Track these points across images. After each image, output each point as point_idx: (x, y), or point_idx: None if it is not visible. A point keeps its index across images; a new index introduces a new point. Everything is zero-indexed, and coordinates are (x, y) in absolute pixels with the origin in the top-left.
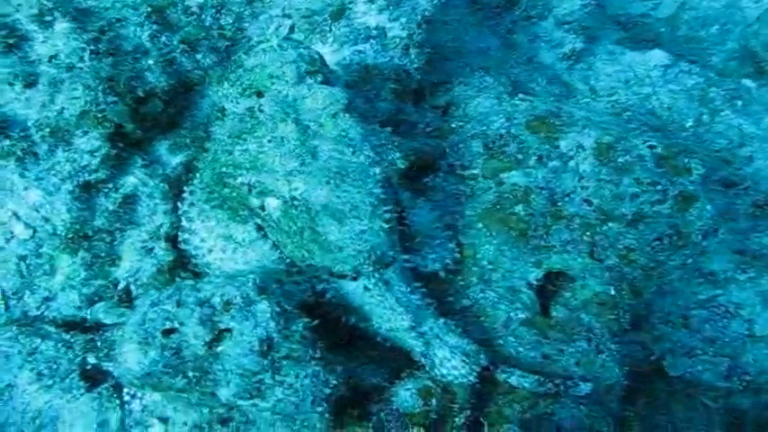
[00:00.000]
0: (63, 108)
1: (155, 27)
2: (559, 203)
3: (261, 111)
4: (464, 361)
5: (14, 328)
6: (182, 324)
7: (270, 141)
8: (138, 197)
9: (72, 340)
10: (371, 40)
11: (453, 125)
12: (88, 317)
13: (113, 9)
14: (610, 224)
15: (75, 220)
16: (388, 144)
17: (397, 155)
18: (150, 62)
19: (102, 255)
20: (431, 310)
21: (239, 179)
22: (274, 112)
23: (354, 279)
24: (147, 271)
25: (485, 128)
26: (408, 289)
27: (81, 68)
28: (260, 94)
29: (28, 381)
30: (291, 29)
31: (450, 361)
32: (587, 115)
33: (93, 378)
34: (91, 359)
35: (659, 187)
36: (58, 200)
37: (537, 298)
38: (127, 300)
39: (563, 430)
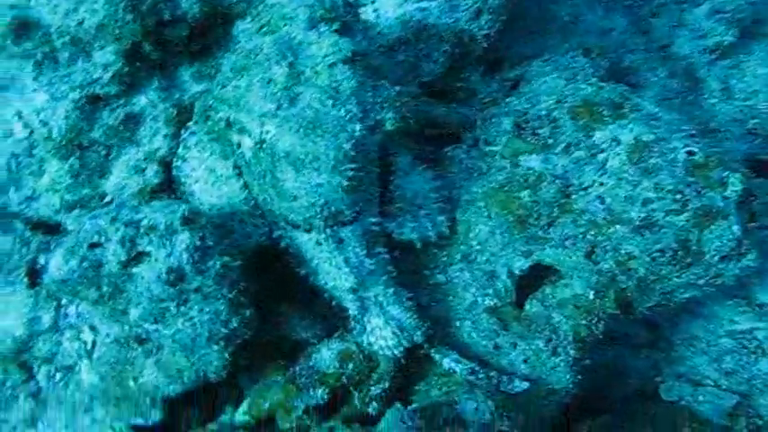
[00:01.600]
0: (84, 18)
1: None
2: (573, 196)
3: (261, 50)
4: (395, 333)
5: None
6: (107, 240)
7: (258, 81)
8: (143, 117)
9: (31, 239)
10: None
11: (508, 99)
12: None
13: None
14: (617, 226)
15: (72, 129)
16: (385, 103)
17: (389, 115)
18: None
19: (93, 166)
20: (385, 278)
21: (220, 113)
22: (272, 53)
23: (308, 231)
24: (131, 188)
25: (529, 106)
26: (364, 251)
27: None
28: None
29: None
30: None
31: (382, 331)
32: (656, 112)
33: (36, 277)
34: (41, 260)
35: (679, 196)
36: (61, 106)
37: (514, 288)
38: None
39: (463, 421)
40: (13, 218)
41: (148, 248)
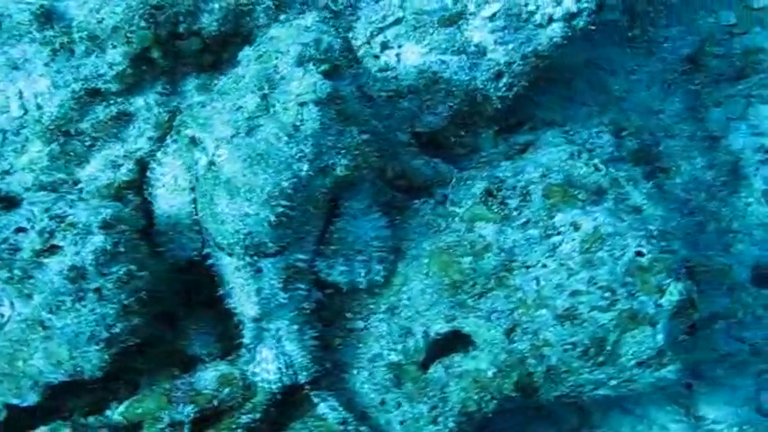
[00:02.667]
0: (104, 18)
1: None
2: (513, 272)
3: (244, 77)
4: (280, 369)
5: None
6: (31, 228)
7: (229, 106)
8: (134, 117)
9: None
10: (463, 55)
11: (499, 163)
12: None
13: None
14: (543, 311)
15: (63, 116)
16: (343, 149)
17: (343, 162)
18: (215, 5)
19: (73, 154)
20: (294, 314)
21: (188, 130)
22: (252, 82)
23: (230, 255)
24: (101, 181)
25: (510, 174)
26: (280, 285)
27: None
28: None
29: None
30: (397, 21)
31: (269, 364)
32: (640, 205)
33: None
34: None
35: (609, 294)
36: (60, 94)
37: (425, 349)
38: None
39: None
40: None
41: (61, 243)
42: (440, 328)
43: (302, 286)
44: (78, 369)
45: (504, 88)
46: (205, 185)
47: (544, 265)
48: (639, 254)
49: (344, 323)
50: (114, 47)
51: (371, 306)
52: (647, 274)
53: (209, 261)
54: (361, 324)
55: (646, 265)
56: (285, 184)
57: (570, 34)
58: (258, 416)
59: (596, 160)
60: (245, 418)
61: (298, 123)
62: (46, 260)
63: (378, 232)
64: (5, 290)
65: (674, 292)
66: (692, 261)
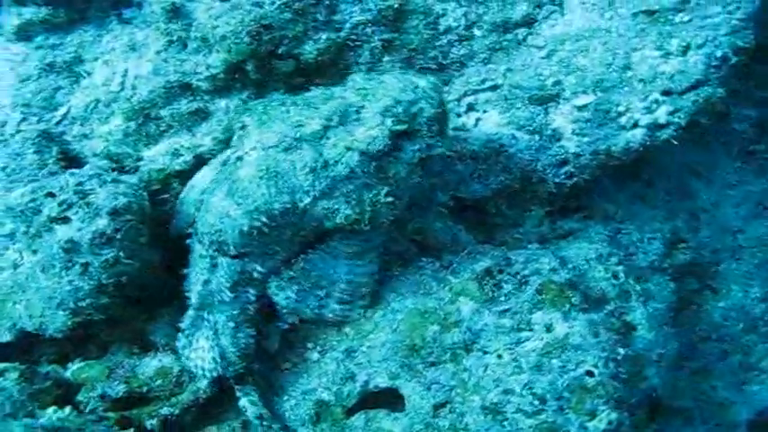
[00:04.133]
0: (218, 25)
1: (369, 16)
2: (470, 353)
3: (329, 99)
4: (215, 359)
5: None
6: (59, 195)
7: (294, 120)
8: (211, 117)
9: (47, 163)
10: (536, 135)
11: (530, 245)
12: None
13: None
14: (475, 398)
15: (150, 101)
16: (354, 199)
17: (346, 212)
18: (324, 35)
19: (144, 135)
20: (235, 312)
21: (246, 117)
22: (328, 109)
23: (200, 242)
24: (156, 165)
25: (521, 261)
26: (229, 284)
27: (262, 6)
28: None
29: None
30: (494, 87)
31: (205, 353)
32: (635, 324)
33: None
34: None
35: (537, 403)
36: (155, 80)
37: (358, 399)
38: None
39: None
40: (56, 143)
41: (73, 217)
42: (381, 382)
43: (251, 291)
44: (43, 326)
45: (563, 176)
46: (221, 174)
47: (499, 356)
48: (590, 373)
49: (302, 351)
50: (218, 52)
51: (333, 343)
52: (587, 395)
53: (189, 240)
54: (316, 356)
55: (589, 386)
56: (276, 206)
57: (649, 143)
58: (176, 411)
59: (620, 267)
60: (164, 410)
61: (331, 162)
62: (56, 227)
63: (354, 277)
64: (22, 240)
65: (604, 420)
66: (687, 389)
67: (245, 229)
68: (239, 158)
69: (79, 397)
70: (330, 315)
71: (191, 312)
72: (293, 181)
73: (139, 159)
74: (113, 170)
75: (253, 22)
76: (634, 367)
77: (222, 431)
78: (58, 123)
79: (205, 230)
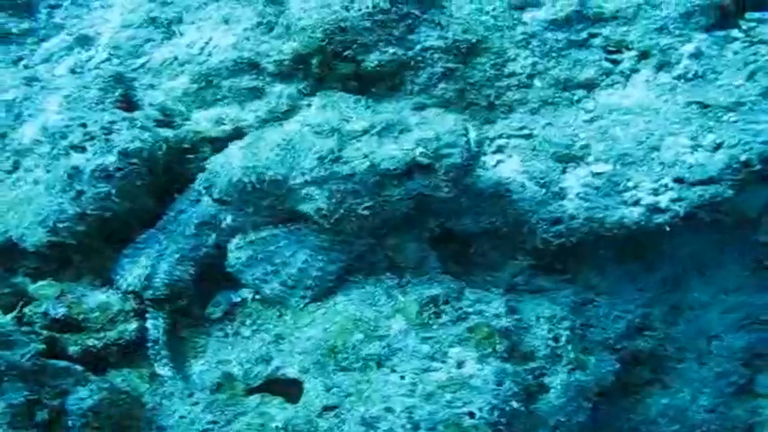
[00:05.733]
0: (302, 17)
1: (442, 43)
2: (380, 368)
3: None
4: (139, 277)
5: None
6: (90, 127)
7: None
8: (263, 97)
9: (107, 94)
10: (543, 189)
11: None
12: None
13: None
14: (360, 409)
15: (216, 69)
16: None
17: (323, 202)
18: (391, 50)
19: (200, 99)
20: (187, 247)
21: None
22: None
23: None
24: (198, 128)
25: (472, 300)
26: (195, 222)
27: (349, 10)
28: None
29: None
30: (527, 136)
31: (137, 269)
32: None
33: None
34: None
35: (409, 427)
36: (229, 52)
37: (264, 380)
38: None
39: None
40: (123, 86)
41: (89, 147)
42: (290, 372)
43: (212, 237)
44: (24, 238)
45: (552, 234)
46: (250, 139)
47: (402, 377)
48: (471, 414)
49: (239, 326)
50: (293, 41)
51: (269, 326)
52: None
53: None
54: (248, 333)
55: (463, 426)
56: (270, 173)
57: (643, 224)
58: (99, 345)
59: (566, 332)
60: (90, 341)
61: (342, 160)
62: (73, 153)
63: (307, 267)
64: (44, 159)
65: None
66: None
67: (235, 179)
68: (281, 123)
69: (26, 310)
70: (267, 291)
71: (152, 230)
72: (300, 160)
73: (186, 119)
74: (157, 122)
75: (332, 23)
76: (523, 425)
77: (132, 375)
78: (134, 70)
79: (208, 167)
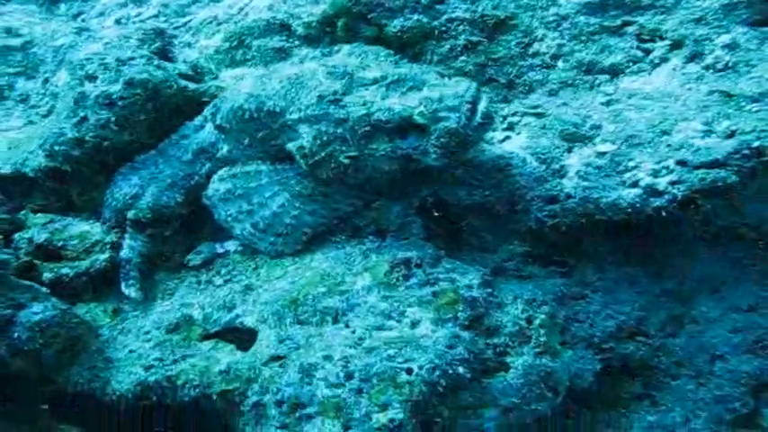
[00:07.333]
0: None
1: (468, 15)
2: (335, 323)
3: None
4: (125, 196)
5: None
6: (105, 55)
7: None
8: (289, 57)
9: (143, 44)
10: (544, 165)
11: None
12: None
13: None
14: (307, 360)
15: (248, 29)
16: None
17: (311, 144)
18: (415, 17)
19: (230, 58)
20: (179, 182)
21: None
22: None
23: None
24: (218, 82)
25: (445, 270)
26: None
27: None
28: None
29: None
30: (539, 115)
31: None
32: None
33: None
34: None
35: (343, 377)
36: (262, 13)
37: (222, 327)
38: None
39: None
40: (161, 41)
41: (100, 77)
42: (248, 321)
43: (207, 166)
44: (26, 163)
45: (546, 212)
46: (266, 70)
47: (353, 331)
48: (409, 371)
49: (215, 276)
50: (324, 3)
51: (242, 278)
52: (390, 387)
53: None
54: (219, 282)
55: (398, 381)
56: (270, 103)
57: (638, 207)
58: (71, 273)
59: (542, 317)
60: (64, 270)
61: (341, 104)
62: (86, 83)
63: (282, 213)
64: (58, 86)
65: (388, 417)
66: None
67: (236, 106)
68: (302, 61)
69: (16, 235)
70: (238, 232)
71: (152, 152)
72: (300, 96)
73: (215, 78)
74: (188, 78)
75: None
76: (471, 396)
77: (97, 309)
78: (176, 28)
79: (220, 95)
